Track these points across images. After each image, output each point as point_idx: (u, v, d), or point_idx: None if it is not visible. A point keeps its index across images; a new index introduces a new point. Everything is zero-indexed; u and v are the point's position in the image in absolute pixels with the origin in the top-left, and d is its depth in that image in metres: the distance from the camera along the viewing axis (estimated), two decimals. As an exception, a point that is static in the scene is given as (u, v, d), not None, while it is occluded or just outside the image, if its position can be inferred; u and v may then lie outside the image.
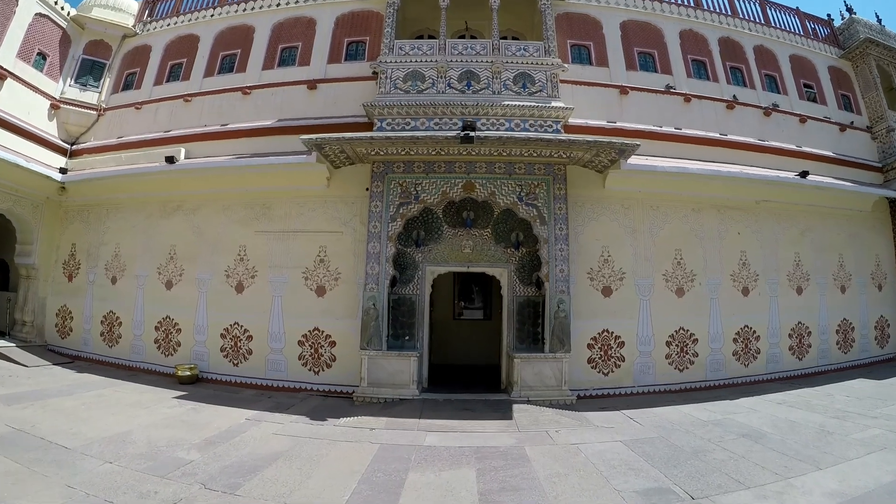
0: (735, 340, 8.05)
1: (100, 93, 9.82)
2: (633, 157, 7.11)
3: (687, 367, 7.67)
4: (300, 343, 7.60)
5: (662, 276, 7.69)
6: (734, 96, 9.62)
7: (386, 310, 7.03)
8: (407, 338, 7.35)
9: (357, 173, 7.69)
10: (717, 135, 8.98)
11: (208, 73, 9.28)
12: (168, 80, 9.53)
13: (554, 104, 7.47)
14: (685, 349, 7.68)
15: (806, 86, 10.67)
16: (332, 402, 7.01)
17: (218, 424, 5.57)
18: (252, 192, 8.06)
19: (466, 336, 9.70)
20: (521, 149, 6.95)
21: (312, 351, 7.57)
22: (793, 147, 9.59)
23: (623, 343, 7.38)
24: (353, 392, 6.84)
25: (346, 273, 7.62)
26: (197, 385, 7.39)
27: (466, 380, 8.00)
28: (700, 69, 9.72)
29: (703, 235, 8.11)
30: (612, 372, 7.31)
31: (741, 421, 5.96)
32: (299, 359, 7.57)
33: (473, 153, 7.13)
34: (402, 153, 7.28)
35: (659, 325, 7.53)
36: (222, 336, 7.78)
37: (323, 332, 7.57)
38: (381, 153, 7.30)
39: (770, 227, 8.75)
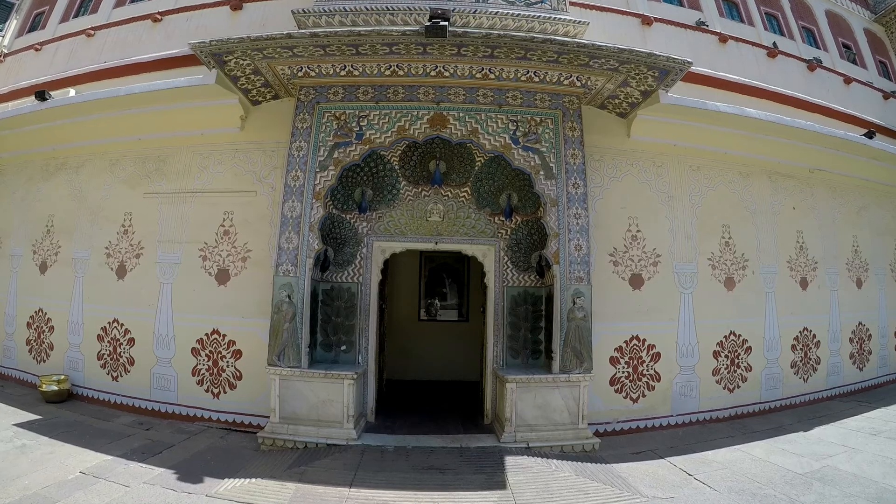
0: (793, 348, 6.03)
1: (3, 37, 8.59)
2: (670, 92, 4.96)
3: (738, 386, 5.55)
4: (195, 352, 5.11)
5: (708, 262, 5.55)
6: (774, 43, 7.80)
7: (308, 305, 4.53)
8: (343, 348, 4.88)
9: (283, 112, 5.20)
10: (760, 83, 7.01)
11: (119, 2, 7.43)
12: (76, 16, 7.83)
13: (561, 16, 5.20)
14: (737, 361, 5.56)
15: (845, 46, 9.12)
16: (234, 441, 4.59)
17: (29, 482, 3.43)
18: (146, 141, 5.71)
19: (435, 343, 7.29)
20: (518, 66, 4.63)
21: (211, 364, 5.05)
22: (840, 109, 7.79)
23: (658, 355, 5.17)
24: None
25: (259, 251, 5.12)
26: (66, 404, 5.35)
27: (434, 405, 5.62)
28: (733, 10, 7.99)
29: (755, 209, 6.04)
30: (644, 396, 5.08)
31: (850, 470, 3.91)
32: (193, 374, 5.09)
33: (447, 73, 4.75)
34: (342, 73, 4.82)
35: (705, 330, 5.37)
36: (99, 338, 5.48)
37: (225, 336, 5.06)
38: (312, 73, 4.83)
39: (826, 202, 6.83)
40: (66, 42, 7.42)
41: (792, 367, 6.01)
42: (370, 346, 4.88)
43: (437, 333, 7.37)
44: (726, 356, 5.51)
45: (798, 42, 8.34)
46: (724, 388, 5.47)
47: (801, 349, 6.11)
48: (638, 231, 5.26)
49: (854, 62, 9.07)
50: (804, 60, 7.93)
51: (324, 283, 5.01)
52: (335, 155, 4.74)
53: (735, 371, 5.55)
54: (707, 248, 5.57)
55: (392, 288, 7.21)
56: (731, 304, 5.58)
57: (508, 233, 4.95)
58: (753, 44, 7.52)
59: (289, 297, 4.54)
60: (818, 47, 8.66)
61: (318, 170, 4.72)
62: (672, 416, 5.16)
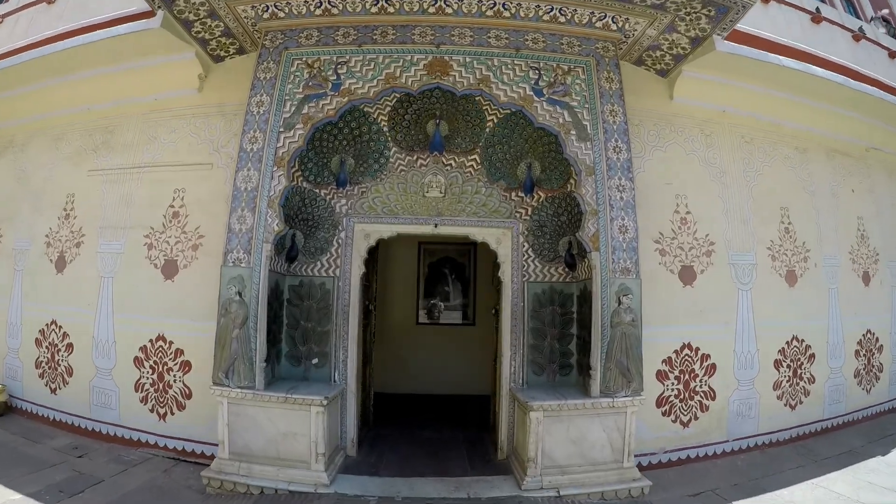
0: (857, 354, 5.09)
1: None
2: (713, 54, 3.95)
3: (800, 402, 4.58)
4: (138, 362, 4.08)
5: (767, 251, 4.55)
6: (817, 9, 6.89)
7: (265, 304, 3.42)
8: (315, 361, 3.78)
9: (249, 69, 4.05)
10: (806, 47, 6.05)
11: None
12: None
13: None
14: (799, 372, 4.59)
15: (884, 20, 8.30)
16: (178, 476, 3.61)
17: None
18: (96, 112, 4.74)
19: (435, 351, 6.21)
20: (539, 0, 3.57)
21: (156, 378, 4.03)
22: (890, 83, 6.89)
23: (713, 367, 4.15)
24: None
25: (214, 237, 4.04)
26: (3, 419, 4.52)
27: (433, 428, 4.58)
28: (770, -31, 6.99)
29: (815, 190, 5.08)
30: (696, 419, 4.07)
31: None
32: (137, 389, 4.06)
33: (449, 10, 3.67)
34: (318, 10, 3.74)
35: (765, 334, 4.37)
36: (38, 342, 4.58)
37: (171, 343, 4.01)
38: (281, 13, 3.76)
39: (883, 184, 5.93)
40: (26, 11, 6.34)
41: (855, 376, 5.07)
42: (350, 358, 3.79)
43: (437, 339, 6.26)
44: (788, 366, 4.52)
45: (840, 10, 7.50)
46: (785, 405, 4.49)
47: (864, 355, 5.17)
48: (688, 212, 4.22)
49: (895, 36, 8.26)
50: (849, 30, 7.04)
51: (291, 276, 3.91)
52: (305, 110, 3.63)
53: (797, 384, 4.57)
54: (765, 235, 4.58)
55: (385, 286, 6.14)
56: (793, 303, 4.59)
57: (529, 212, 3.87)
58: (797, 7, 6.59)
59: (239, 294, 3.43)
60: (859, 17, 7.84)
61: (282, 129, 3.62)
62: (728, 441, 4.16)
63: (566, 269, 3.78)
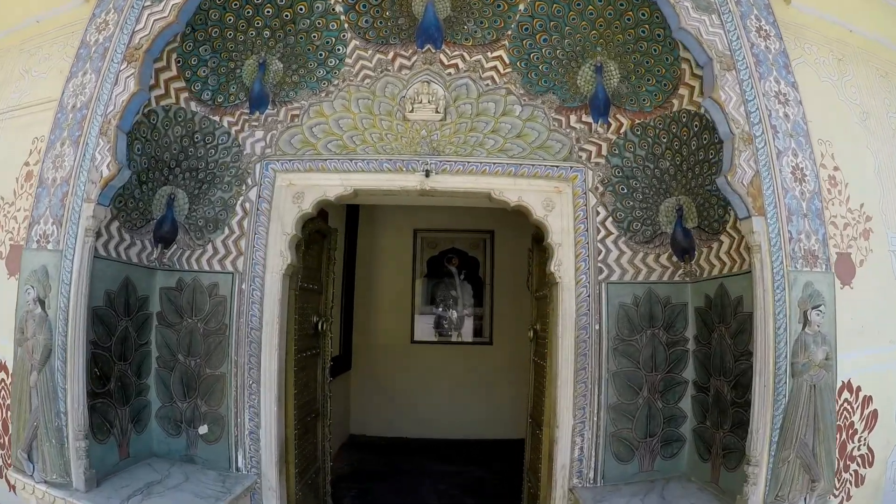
0: None
1: None
2: None
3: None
4: None
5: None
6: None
7: (82, 323, 1.66)
8: (202, 431, 1.99)
9: None
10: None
11: None
12: None
13: None
14: None
15: None
16: None
17: None
18: None
19: (438, 380, 4.48)
20: None
21: None
22: None
23: (874, 416, 2.55)
24: None
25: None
26: None
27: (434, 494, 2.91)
28: None
29: None
30: (849, 498, 2.44)
31: None
32: None
33: None
34: None
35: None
36: None
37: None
38: None
39: None
40: None
41: None
42: (266, 425, 2.00)
43: (441, 363, 4.53)
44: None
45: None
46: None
47: None
48: (836, 169, 2.61)
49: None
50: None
51: (164, 271, 2.12)
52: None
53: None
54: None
55: (366, 291, 4.45)
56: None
57: (604, 151, 2.10)
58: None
59: (41, 302, 1.66)
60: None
61: (147, 2, 1.88)
62: (891, 533, 2.59)
63: (674, 258, 2.06)
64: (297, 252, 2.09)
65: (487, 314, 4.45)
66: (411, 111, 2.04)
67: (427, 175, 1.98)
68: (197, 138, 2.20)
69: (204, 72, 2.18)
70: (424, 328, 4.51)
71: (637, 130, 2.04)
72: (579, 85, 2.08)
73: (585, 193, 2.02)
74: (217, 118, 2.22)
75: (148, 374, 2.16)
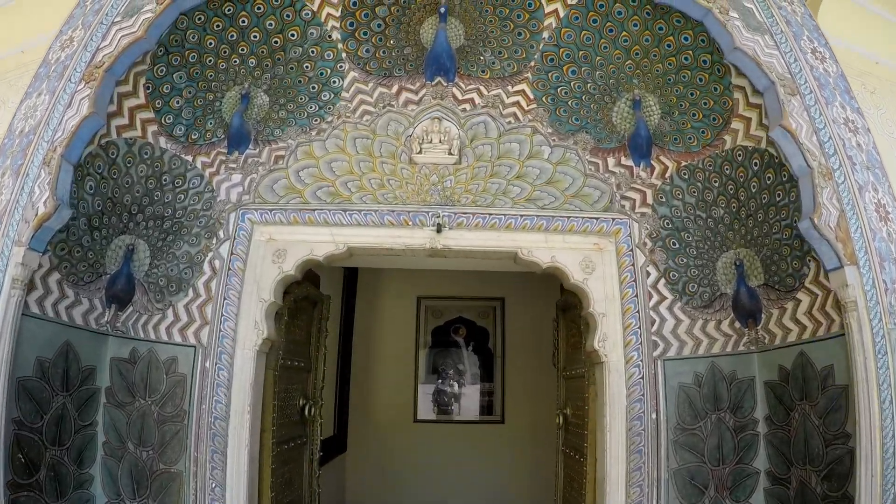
0: None
1: None
2: None
3: None
4: None
5: None
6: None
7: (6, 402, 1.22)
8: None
9: None
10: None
11: None
12: None
13: None
14: None
15: None
16: None
17: None
18: None
19: (443, 463, 3.95)
20: None
21: None
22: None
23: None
24: None
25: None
26: None
27: None
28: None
29: None
30: None
31: None
32: None
33: None
34: None
35: None
36: None
37: None
38: None
39: None
40: None
41: None
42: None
43: (447, 445, 4.02)
44: None
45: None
46: None
47: None
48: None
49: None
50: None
51: (117, 338, 1.72)
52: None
53: None
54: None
55: (368, 364, 4.09)
56: None
57: (650, 199, 1.80)
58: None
59: None
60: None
61: (118, 17, 1.62)
62: None
63: (736, 324, 1.69)
64: (278, 323, 1.72)
65: (499, 390, 3.99)
66: (419, 152, 1.74)
67: (438, 230, 1.64)
68: (165, 180, 1.86)
69: (178, 102, 1.87)
70: (428, 405, 4.07)
71: (684, 174, 1.75)
72: (615, 122, 1.80)
73: (632, 250, 1.69)
74: (190, 158, 1.89)
75: (92, 463, 1.74)
